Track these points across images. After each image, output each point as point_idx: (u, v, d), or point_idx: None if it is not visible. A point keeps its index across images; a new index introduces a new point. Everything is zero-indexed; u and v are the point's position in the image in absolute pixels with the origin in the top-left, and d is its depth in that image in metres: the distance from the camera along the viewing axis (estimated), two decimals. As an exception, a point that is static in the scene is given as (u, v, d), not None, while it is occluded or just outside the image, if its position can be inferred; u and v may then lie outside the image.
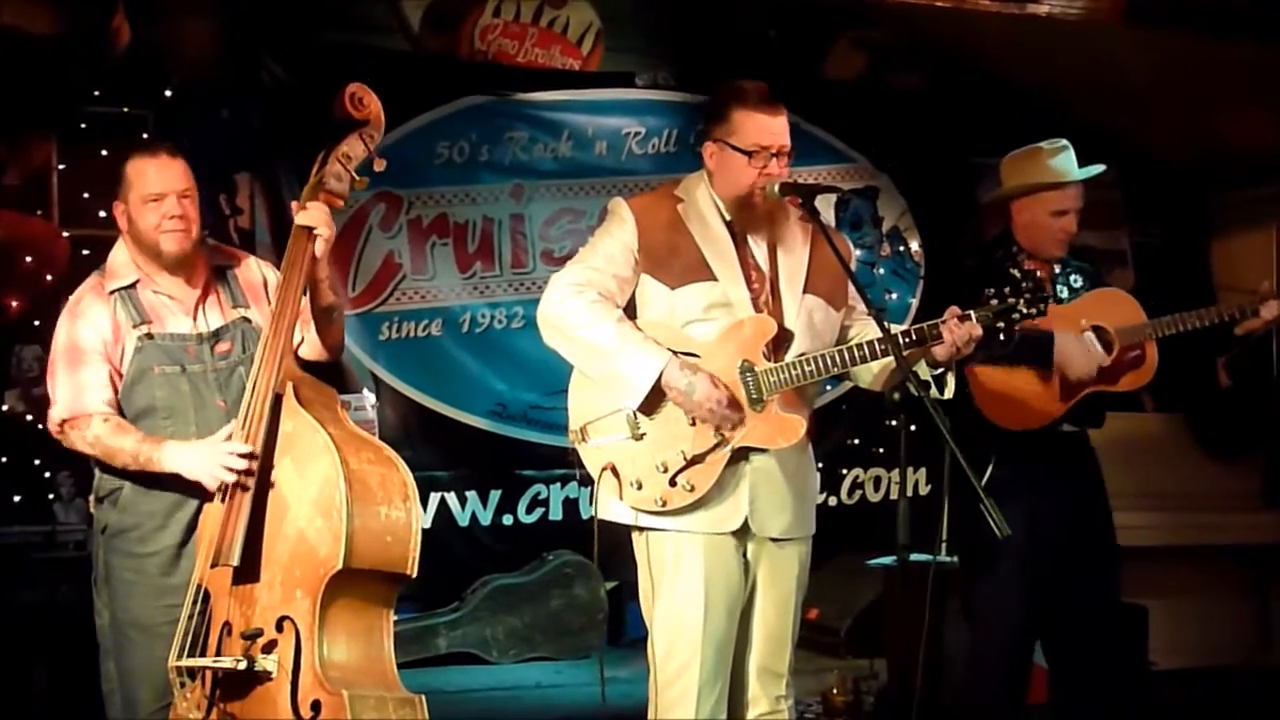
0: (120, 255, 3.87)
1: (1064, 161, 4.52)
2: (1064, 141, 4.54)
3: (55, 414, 3.77)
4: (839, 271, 3.73)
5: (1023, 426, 4.44)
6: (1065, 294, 4.56)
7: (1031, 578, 4.43)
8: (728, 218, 3.73)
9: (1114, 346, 4.46)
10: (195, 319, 3.84)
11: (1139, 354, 4.49)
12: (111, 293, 3.80)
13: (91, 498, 3.89)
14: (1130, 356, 4.49)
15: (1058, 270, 4.57)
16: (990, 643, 4.52)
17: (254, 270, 4.01)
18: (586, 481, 3.79)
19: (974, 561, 4.53)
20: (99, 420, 3.72)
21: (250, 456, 3.55)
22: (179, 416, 3.76)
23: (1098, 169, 4.56)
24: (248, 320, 3.89)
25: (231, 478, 3.55)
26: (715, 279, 3.65)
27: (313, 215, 3.75)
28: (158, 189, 3.75)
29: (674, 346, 3.61)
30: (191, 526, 3.73)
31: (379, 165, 3.90)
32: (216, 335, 3.84)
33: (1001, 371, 4.42)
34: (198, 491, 3.68)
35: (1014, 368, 4.41)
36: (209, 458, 3.60)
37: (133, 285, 3.81)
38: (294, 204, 3.82)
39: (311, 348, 3.92)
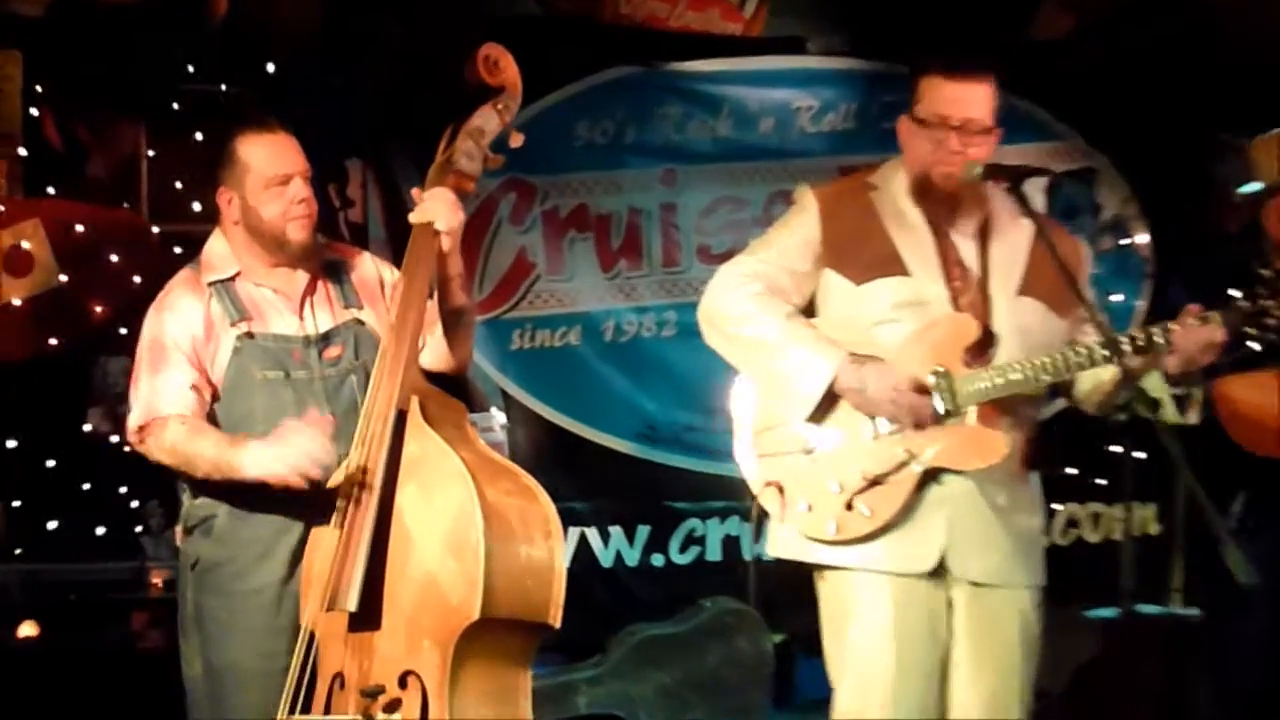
0: (218, 247, 3.91)
1: None
2: None
3: (132, 421, 3.80)
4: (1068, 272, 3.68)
5: None
6: None
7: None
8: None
9: None
10: (302, 318, 3.87)
11: None
12: (209, 285, 3.84)
13: (179, 528, 3.91)
14: None
15: None
16: (1238, 708, 4.43)
17: (369, 267, 4.05)
18: (751, 516, 3.78)
19: (1219, 613, 4.45)
20: (175, 423, 3.72)
21: (363, 478, 3.52)
22: None
23: None
24: (361, 323, 3.91)
25: (315, 470, 3.53)
26: (907, 273, 3.66)
27: (434, 208, 3.73)
28: (284, 170, 3.80)
29: (858, 350, 3.62)
30: (296, 559, 3.74)
31: (516, 140, 3.89)
32: (326, 338, 3.86)
33: (1255, 387, 4.33)
34: (302, 516, 3.70)
35: (1272, 374, 4.33)
36: (294, 448, 3.56)
37: (232, 279, 3.85)
38: (414, 191, 3.81)
39: (436, 358, 3.92)
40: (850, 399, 3.60)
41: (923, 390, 3.57)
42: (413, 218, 3.75)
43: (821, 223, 3.73)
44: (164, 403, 3.76)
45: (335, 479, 3.65)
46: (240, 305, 3.82)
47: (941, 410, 3.58)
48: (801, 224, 3.76)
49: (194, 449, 3.70)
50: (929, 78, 3.68)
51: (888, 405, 3.57)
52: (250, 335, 3.80)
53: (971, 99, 3.64)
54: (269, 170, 3.79)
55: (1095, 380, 3.72)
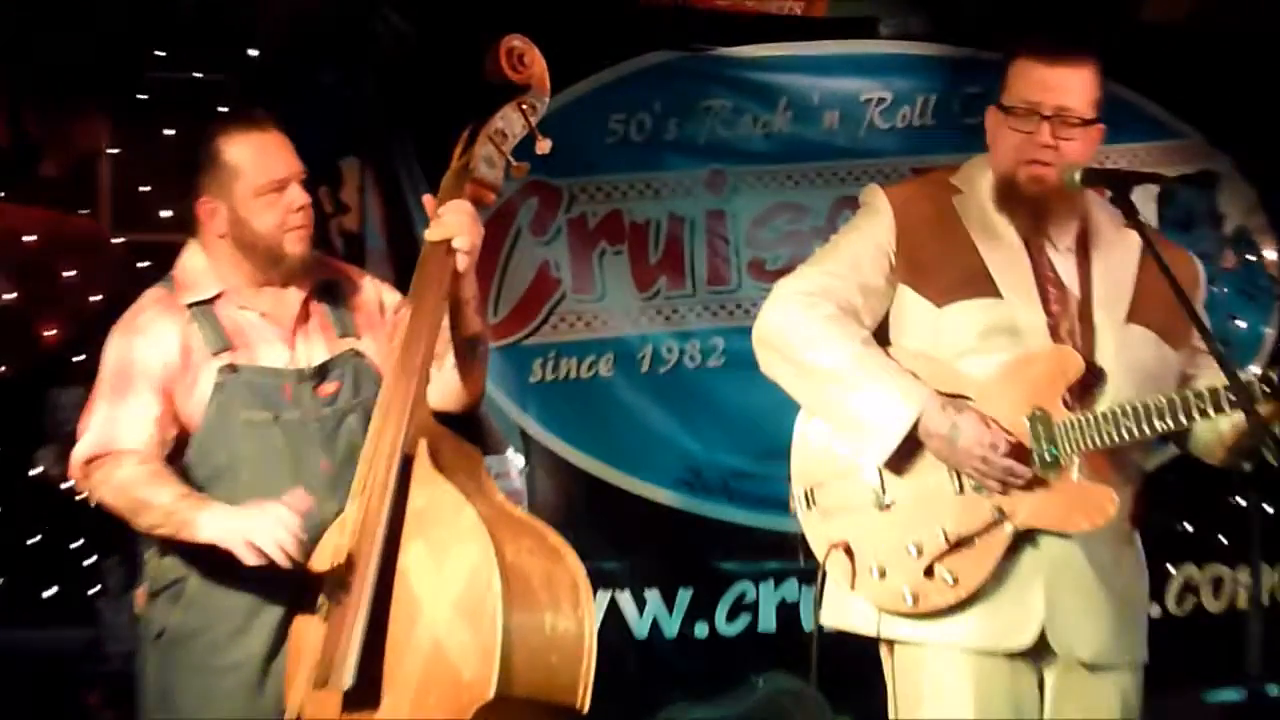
0: (195, 262, 3.90)
1: None
2: None
3: (78, 451, 3.75)
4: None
5: None
6: None
7: None
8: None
9: None
10: (293, 348, 3.88)
11: None
12: (187, 308, 3.82)
13: (141, 591, 3.88)
14: None
15: None
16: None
17: (367, 289, 4.06)
18: (812, 579, 3.72)
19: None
20: (132, 461, 3.69)
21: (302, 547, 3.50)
22: (269, 480, 3.73)
23: None
24: (359, 354, 3.93)
25: (274, 550, 3.47)
26: (999, 295, 3.62)
27: (451, 224, 3.70)
28: (279, 174, 3.80)
29: (938, 386, 3.57)
30: (282, 632, 3.74)
31: (543, 146, 3.88)
32: (321, 372, 3.87)
33: None
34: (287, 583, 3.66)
35: None
36: (250, 519, 3.53)
37: (212, 300, 3.84)
38: (426, 199, 3.78)
39: (445, 394, 3.89)
40: (933, 446, 3.53)
41: (1022, 452, 3.50)
42: (429, 235, 3.72)
43: (896, 229, 3.68)
44: (122, 434, 3.73)
45: (330, 536, 3.65)
46: (223, 332, 3.81)
47: (1040, 463, 3.52)
48: (873, 229, 3.70)
49: (147, 495, 3.65)
50: (1020, 61, 3.64)
51: (977, 463, 3.50)
52: (233, 368, 3.79)
53: (1068, 85, 3.59)
54: (262, 175, 3.79)
55: (1215, 430, 3.63)
